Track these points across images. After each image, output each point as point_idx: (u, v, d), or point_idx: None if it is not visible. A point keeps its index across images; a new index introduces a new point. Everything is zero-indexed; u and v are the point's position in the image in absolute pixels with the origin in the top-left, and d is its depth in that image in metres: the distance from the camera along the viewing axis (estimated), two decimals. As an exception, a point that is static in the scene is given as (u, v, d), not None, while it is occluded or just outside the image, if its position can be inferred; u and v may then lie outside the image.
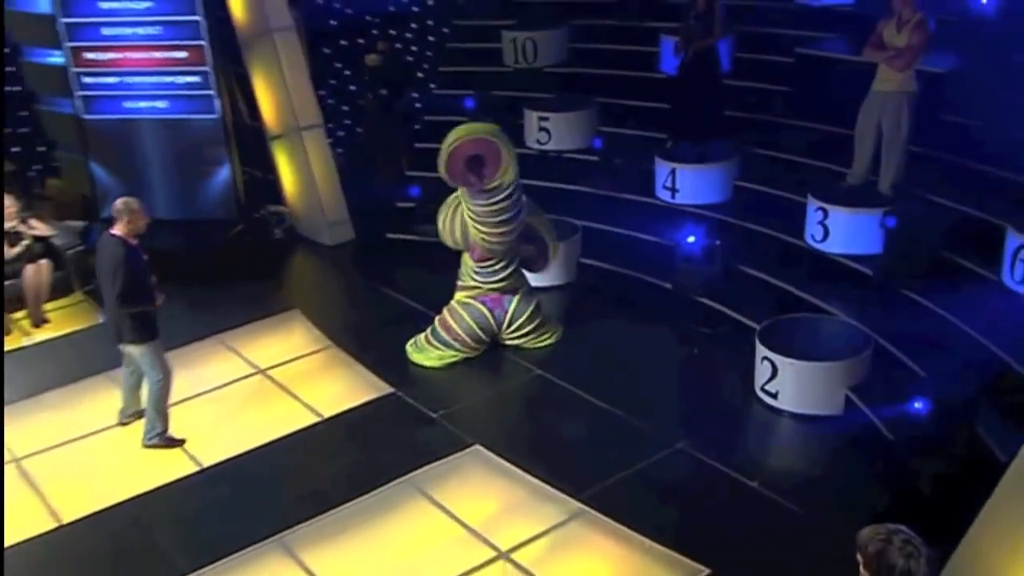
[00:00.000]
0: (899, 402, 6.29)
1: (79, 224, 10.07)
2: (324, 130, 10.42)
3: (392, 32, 11.91)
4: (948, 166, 7.76)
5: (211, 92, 9.91)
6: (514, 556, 5.78)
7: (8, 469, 6.86)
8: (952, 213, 7.36)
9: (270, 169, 10.69)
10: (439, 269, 8.47)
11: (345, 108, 12.00)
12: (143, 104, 10.08)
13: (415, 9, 12.24)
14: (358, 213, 10.51)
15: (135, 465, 6.83)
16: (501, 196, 7.42)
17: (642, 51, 10.52)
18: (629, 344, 8.07)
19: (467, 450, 6.79)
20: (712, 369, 7.63)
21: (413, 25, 12.25)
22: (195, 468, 6.79)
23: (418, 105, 11.73)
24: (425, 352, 7.99)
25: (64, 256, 9.25)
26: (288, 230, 10.68)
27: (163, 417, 6.92)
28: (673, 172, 9.14)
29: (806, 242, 8.08)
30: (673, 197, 9.19)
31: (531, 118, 10.46)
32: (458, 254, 8.05)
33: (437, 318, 8.02)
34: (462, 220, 7.72)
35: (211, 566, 5.81)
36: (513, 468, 6.54)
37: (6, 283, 8.85)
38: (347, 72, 11.98)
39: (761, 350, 7.03)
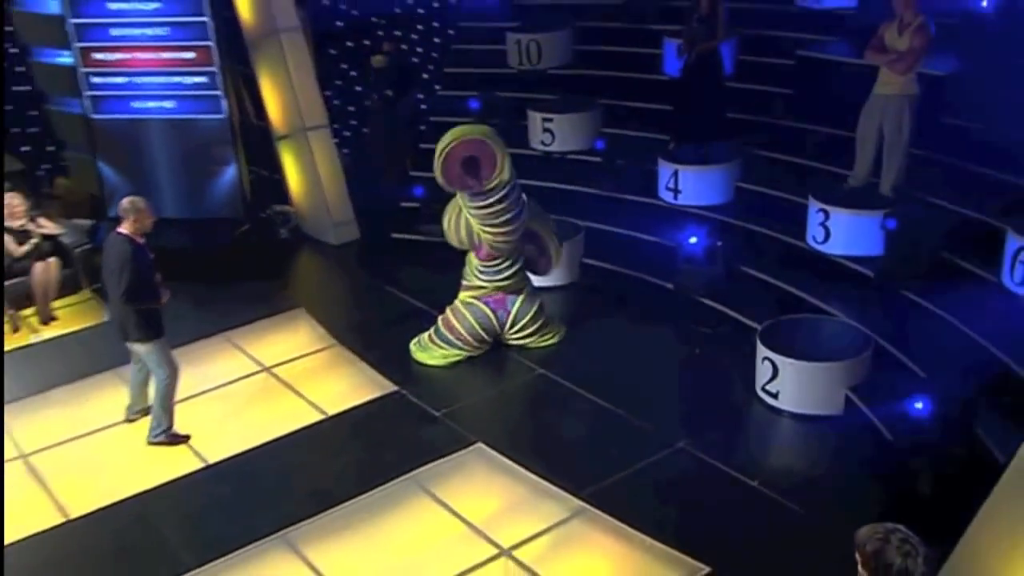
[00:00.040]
0: (899, 402, 6.28)
1: (87, 222, 10.09)
2: (330, 130, 10.43)
3: (398, 33, 11.92)
4: (949, 169, 7.75)
5: (218, 92, 9.92)
6: (516, 553, 5.78)
7: (16, 465, 6.88)
8: (952, 215, 7.35)
9: (276, 169, 10.71)
10: (443, 269, 8.47)
11: (351, 109, 12.01)
12: (151, 104, 10.09)
13: (420, 11, 12.24)
14: (363, 213, 10.53)
15: (141, 461, 6.84)
16: (499, 195, 7.42)
17: (645, 53, 10.52)
18: (631, 344, 8.08)
19: (470, 448, 6.79)
20: (713, 369, 7.62)
21: (419, 26, 12.26)
22: (200, 465, 6.80)
23: (423, 106, 11.73)
24: (429, 351, 7.99)
25: (72, 254, 9.27)
26: (294, 229, 10.69)
27: (169, 414, 6.93)
28: (676, 173, 9.14)
29: (807, 243, 8.07)
30: (675, 198, 9.19)
31: (535, 119, 10.46)
32: (462, 253, 8.05)
33: (440, 318, 8.03)
34: (467, 220, 7.72)
35: (216, 562, 5.81)
36: (515, 466, 6.54)
37: (15, 280, 8.89)
38: (353, 73, 11.99)
39: (762, 350, 7.02)
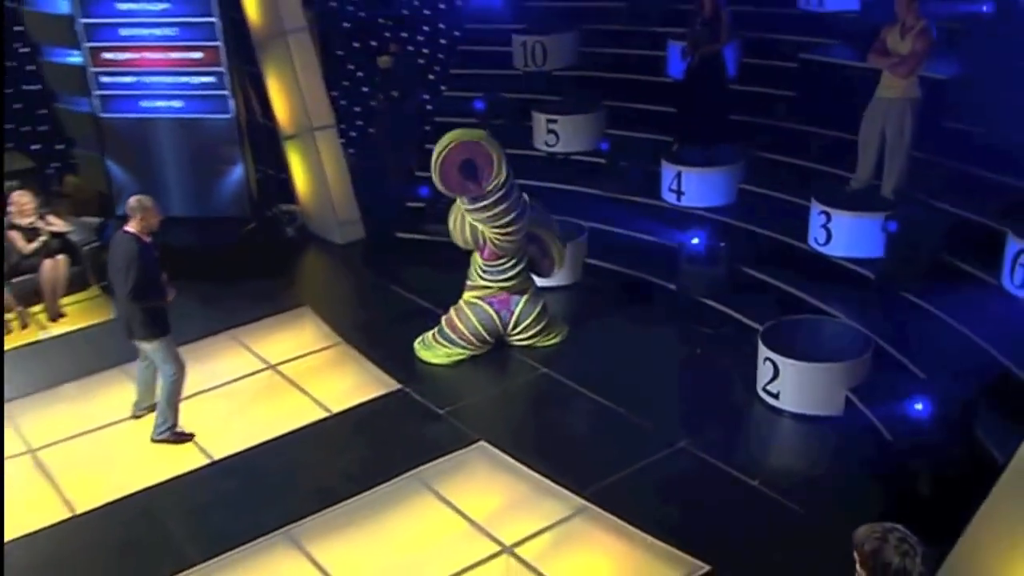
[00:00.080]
0: (899, 403, 6.27)
1: (95, 220, 10.11)
2: (336, 130, 10.44)
3: (404, 35, 11.93)
4: (950, 172, 7.73)
5: (226, 92, 9.94)
6: (518, 551, 5.78)
7: (24, 460, 6.91)
8: (953, 218, 7.32)
9: (283, 168, 10.72)
10: (448, 268, 8.47)
11: (357, 109, 12.01)
12: (159, 103, 10.12)
13: (427, 12, 12.25)
14: (369, 212, 10.55)
15: (148, 457, 6.86)
16: (498, 196, 7.41)
17: (650, 56, 10.51)
18: (633, 344, 8.08)
19: (473, 446, 6.80)
20: (714, 369, 7.63)
21: (425, 28, 12.26)
22: (206, 461, 6.81)
23: (429, 107, 11.74)
24: (433, 350, 8.00)
25: (80, 251, 9.29)
26: (300, 228, 10.71)
27: (174, 411, 6.94)
28: (679, 175, 9.13)
29: (809, 245, 8.06)
30: (678, 200, 9.18)
31: (540, 120, 10.46)
32: (466, 253, 8.06)
33: (444, 318, 8.03)
34: (471, 221, 7.72)
35: (220, 557, 5.83)
36: (518, 464, 6.54)
37: (24, 277, 8.92)
38: (359, 74, 11.99)
39: (763, 351, 7.02)
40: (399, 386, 7.58)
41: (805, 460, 6.72)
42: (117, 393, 7.56)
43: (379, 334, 8.44)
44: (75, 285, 9.21)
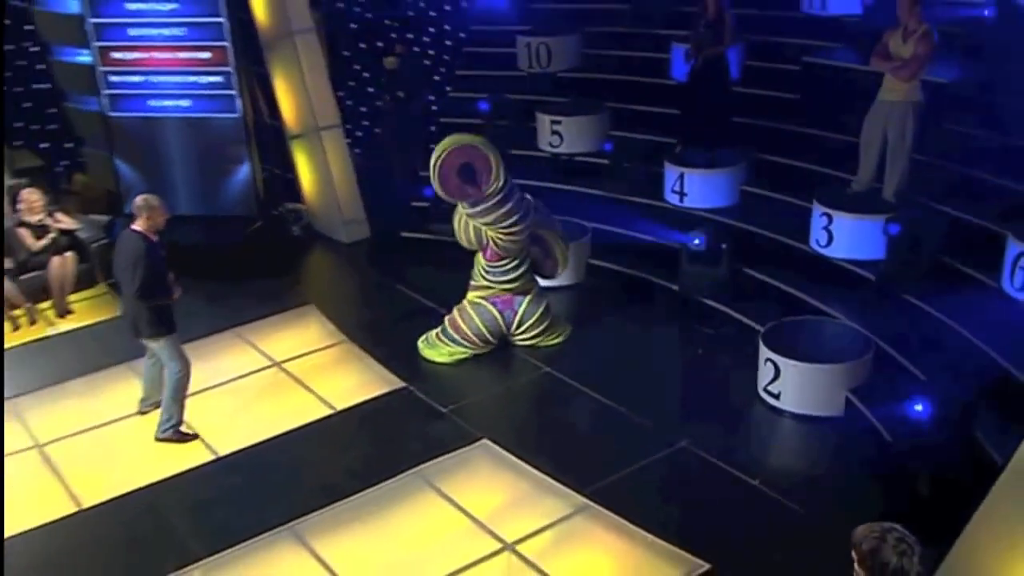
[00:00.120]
0: (899, 404, 6.26)
1: (103, 218, 10.13)
2: (342, 130, 10.44)
3: (410, 36, 11.93)
4: (951, 174, 7.72)
5: (233, 92, 9.95)
6: (519, 548, 5.78)
7: (31, 454, 6.92)
8: (954, 220, 7.32)
9: (289, 168, 10.73)
10: (452, 267, 8.48)
11: (363, 109, 12.02)
12: (167, 103, 10.14)
13: (432, 14, 12.26)
14: (374, 212, 10.55)
15: (153, 453, 6.86)
16: (498, 199, 7.40)
17: (653, 58, 10.51)
18: (636, 343, 8.09)
19: (475, 444, 6.80)
20: (716, 369, 7.62)
21: (431, 29, 12.26)
22: (211, 457, 6.83)
23: (434, 107, 11.74)
24: (436, 348, 8.00)
25: (88, 249, 9.31)
26: (305, 227, 10.71)
27: (180, 408, 6.94)
28: (682, 176, 9.12)
29: (810, 246, 8.05)
30: (681, 201, 9.18)
31: (544, 121, 10.46)
32: (470, 253, 8.06)
33: (447, 317, 8.03)
34: (474, 225, 7.72)
35: (224, 552, 5.83)
36: (520, 462, 6.54)
37: (33, 274, 8.95)
38: (366, 74, 12.00)
39: (764, 351, 7.02)
40: (403, 384, 7.58)
41: (805, 460, 6.71)
42: (124, 389, 7.57)
43: (383, 333, 8.44)
44: (83, 282, 9.23)
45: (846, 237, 7.74)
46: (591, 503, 6.09)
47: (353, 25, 11.97)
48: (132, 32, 9.89)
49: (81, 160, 11.29)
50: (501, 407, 7.50)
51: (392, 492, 6.34)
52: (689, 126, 9.29)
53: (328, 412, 7.31)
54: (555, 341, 8.12)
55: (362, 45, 12.00)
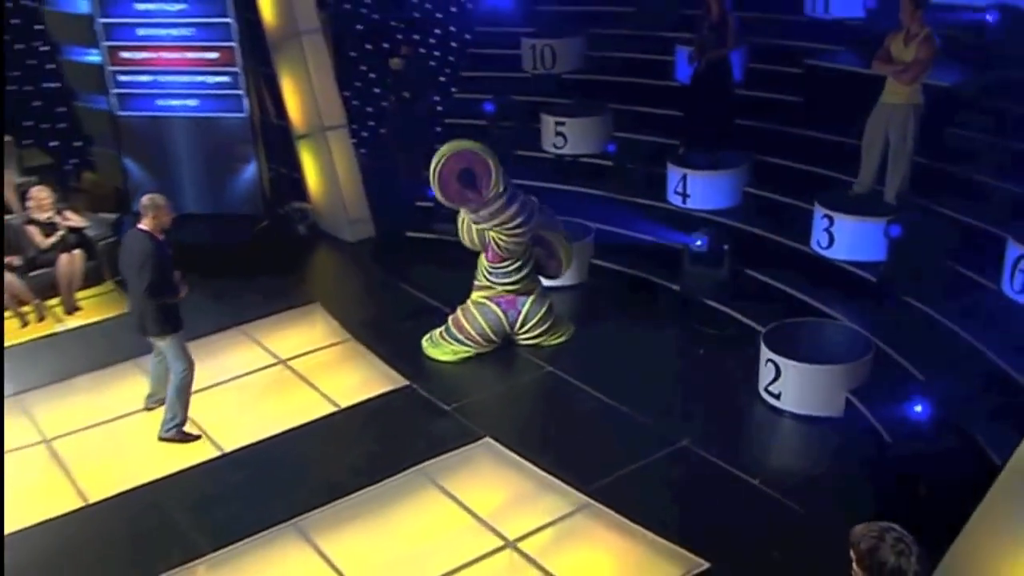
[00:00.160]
0: (898, 406, 6.26)
1: (111, 216, 10.15)
2: (348, 130, 10.45)
3: (416, 37, 11.94)
4: (952, 177, 7.71)
5: (240, 92, 9.97)
6: (520, 545, 5.79)
7: (39, 449, 6.95)
8: (954, 223, 7.31)
9: (295, 167, 10.74)
10: (456, 267, 8.48)
11: (369, 110, 12.03)
12: (175, 102, 10.16)
13: (438, 15, 12.26)
14: (379, 211, 10.56)
15: (159, 449, 6.88)
16: (499, 203, 7.39)
17: (657, 60, 10.50)
18: (638, 343, 8.08)
19: (478, 442, 6.80)
20: (717, 369, 7.62)
21: (436, 31, 12.27)
22: (216, 453, 6.84)
23: (439, 108, 11.75)
24: (440, 347, 8.00)
25: (96, 247, 9.33)
26: (311, 226, 10.72)
27: (184, 407, 6.93)
28: (684, 177, 9.12)
29: (812, 248, 8.04)
30: (684, 202, 9.17)
31: (548, 122, 10.45)
32: (474, 253, 8.06)
33: (451, 317, 8.04)
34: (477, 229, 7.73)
35: (229, 547, 5.85)
36: (522, 460, 6.55)
37: (41, 271, 8.97)
38: (372, 75, 12.01)
39: (765, 352, 7.01)
40: (407, 382, 7.59)
41: (805, 460, 6.71)
42: (130, 386, 7.59)
43: (388, 331, 8.45)
44: (91, 279, 9.26)
45: (847, 239, 7.74)
46: (592, 501, 6.10)
47: (359, 26, 11.98)
48: (141, 32, 9.92)
49: (90, 158, 11.31)
50: (504, 405, 7.50)
51: (395, 489, 6.35)
52: (692, 128, 9.29)
53: (332, 409, 7.32)
54: (558, 340, 8.12)
55: (368, 46, 12.01)
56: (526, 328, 7.97)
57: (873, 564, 3.24)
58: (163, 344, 6.80)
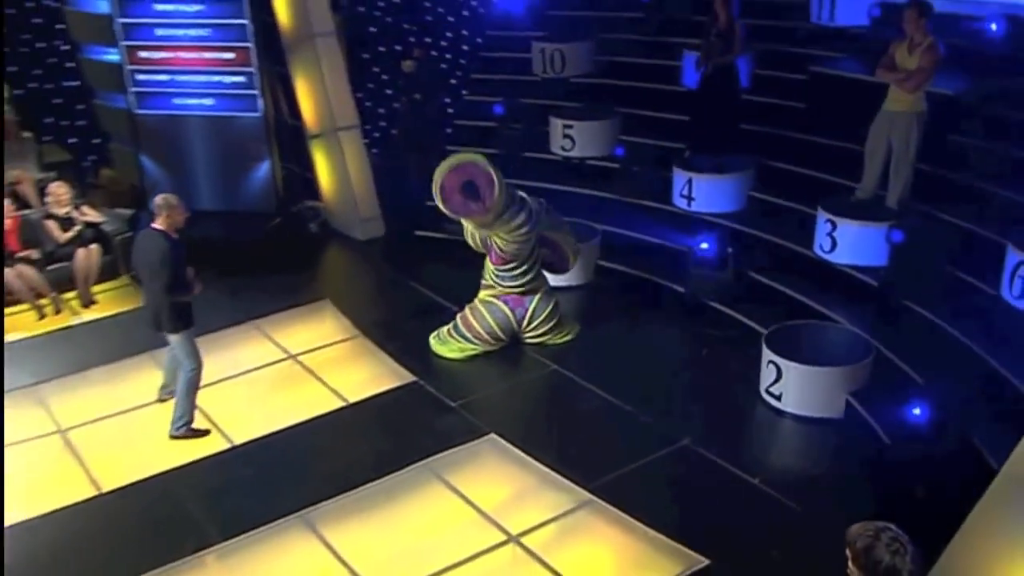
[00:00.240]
0: (897, 408, 6.25)
1: (128, 212, 10.19)
2: (360, 131, 10.47)
3: (428, 40, 11.96)
4: (952, 184, 7.69)
5: (255, 92, 10.00)
6: (523, 540, 5.80)
7: (54, 439, 6.98)
8: (955, 229, 7.29)
9: (308, 166, 10.76)
10: (464, 265, 8.48)
11: (381, 111, 12.05)
12: (191, 101, 10.19)
13: (450, 19, 12.27)
14: (389, 210, 10.58)
15: (171, 440, 6.89)
16: (503, 213, 7.37)
17: (664, 65, 10.48)
18: (642, 343, 8.08)
19: (483, 438, 6.81)
20: (719, 370, 7.61)
21: (448, 34, 12.28)
22: (227, 445, 6.86)
23: (450, 110, 11.76)
24: (447, 345, 8.01)
25: (113, 241, 9.37)
26: (322, 224, 10.75)
27: (192, 406, 6.93)
28: (690, 181, 9.11)
29: (814, 252, 8.03)
30: (689, 205, 9.16)
31: (556, 125, 10.46)
32: (482, 253, 8.06)
33: (459, 315, 8.04)
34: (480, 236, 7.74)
35: (238, 538, 5.87)
36: (526, 457, 6.55)
37: (59, 265, 9.02)
38: (384, 77, 12.03)
39: (767, 354, 7.01)
40: (414, 379, 7.60)
41: (805, 460, 6.69)
42: (144, 378, 7.62)
43: (396, 328, 8.46)
44: (107, 273, 9.32)
45: (849, 243, 7.72)
46: (594, 498, 6.10)
47: (372, 29, 12.00)
48: (159, 32, 9.95)
49: (108, 155, 11.36)
50: (509, 403, 7.51)
51: (401, 483, 6.36)
52: (698, 132, 9.27)
53: (341, 404, 7.33)
54: (563, 339, 8.12)
55: (381, 48, 12.03)
56: (533, 325, 7.97)
57: (868, 563, 3.25)
58: (175, 340, 6.80)
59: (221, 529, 5.95)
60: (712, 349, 7.90)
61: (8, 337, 8.38)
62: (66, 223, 9.11)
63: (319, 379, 7.70)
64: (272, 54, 10.17)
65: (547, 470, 6.40)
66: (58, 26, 10.83)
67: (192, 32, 9.91)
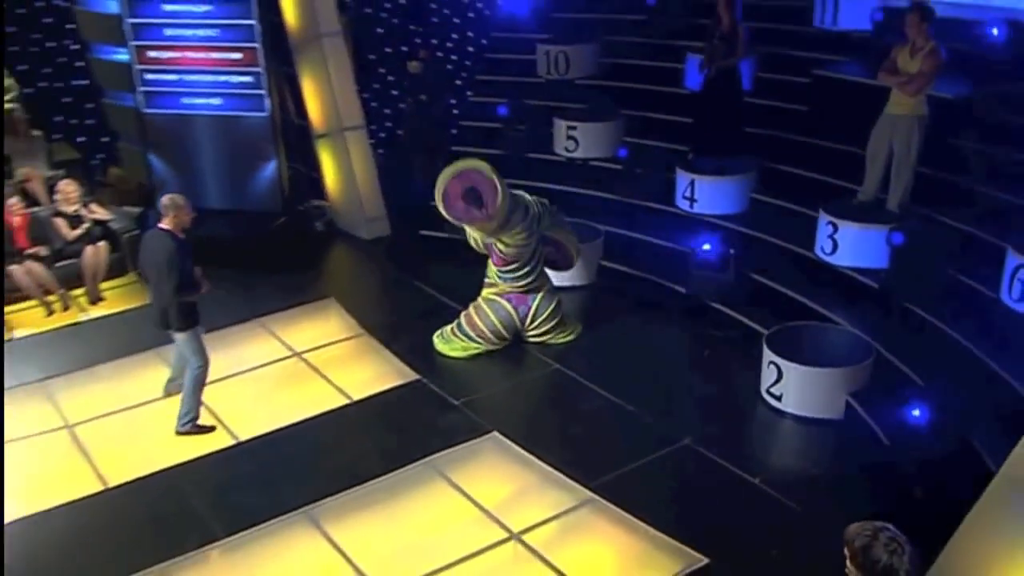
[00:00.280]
0: (897, 410, 6.24)
1: (136, 210, 10.22)
2: (366, 131, 10.47)
3: (434, 41, 11.97)
4: (953, 187, 7.68)
5: (262, 92, 10.00)
6: (525, 538, 5.80)
7: (61, 434, 7.00)
8: (955, 232, 7.29)
9: (314, 166, 10.78)
10: (468, 265, 8.49)
11: (387, 111, 12.06)
12: (199, 101, 10.19)
13: (456, 21, 12.28)
14: (394, 210, 10.58)
15: (177, 436, 6.91)
16: (505, 218, 7.36)
17: (668, 68, 10.49)
18: (644, 344, 8.08)
19: (485, 436, 6.81)
20: (721, 370, 7.61)
21: (453, 35, 12.29)
22: (232, 441, 6.87)
23: (455, 111, 11.76)
24: (451, 343, 8.02)
25: (121, 239, 9.39)
26: (328, 223, 10.76)
27: (198, 403, 6.94)
28: (692, 183, 9.11)
29: (815, 254, 8.03)
30: (691, 207, 9.17)
31: (560, 127, 10.48)
32: (485, 254, 8.07)
33: (463, 314, 8.05)
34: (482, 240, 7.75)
35: (242, 533, 5.88)
36: (528, 455, 6.56)
37: (67, 262, 9.04)
38: (390, 77, 12.04)
39: (768, 354, 7.00)
40: (417, 377, 7.61)
41: (805, 461, 6.68)
42: (151, 374, 7.64)
43: (400, 327, 8.47)
44: (115, 271, 9.34)
45: (850, 246, 7.72)
46: (596, 496, 6.10)
47: (379, 30, 12.01)
48: (168, 32, 9.96)
49: (116, 154, 11.38)
50: (511, 401, 7.52)
51: (404, 480, 6.37)
52: (701, 134, 9.27)
53: (345, 402, 7.34)
54: (565, 339, 8.13)
55: (387, 49, 12.04)
56: (536, 324, 7.98)
57: (866, 562, 3.25)
58: (182, 338, 6.81)
59: (225, 524, 5.97)
60: (713, 350, 7.90)
61: (16, 333, 8.43)
62: (75, 220, 9.14)
63: (324, 377, 7.71)
64: (279, 54, 10.18)
65: (549, 468, 6.40)
66: (68, 25, 10.87)
67: (200, 32, 9.91)
